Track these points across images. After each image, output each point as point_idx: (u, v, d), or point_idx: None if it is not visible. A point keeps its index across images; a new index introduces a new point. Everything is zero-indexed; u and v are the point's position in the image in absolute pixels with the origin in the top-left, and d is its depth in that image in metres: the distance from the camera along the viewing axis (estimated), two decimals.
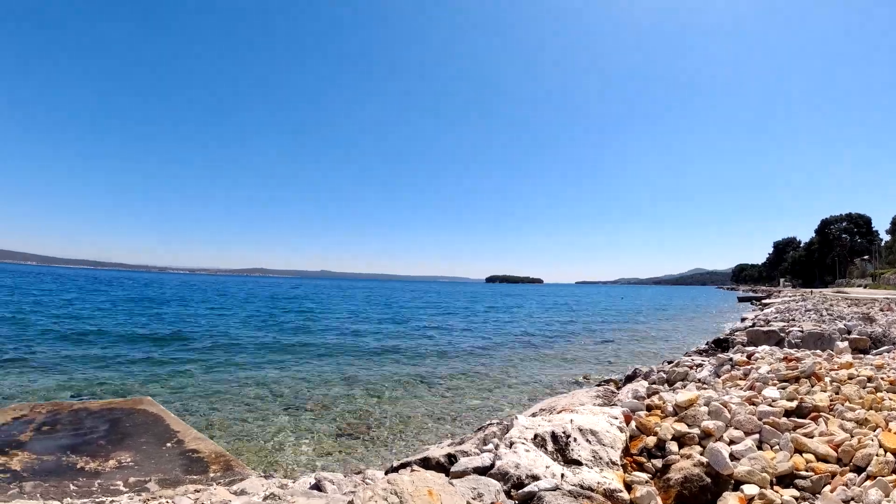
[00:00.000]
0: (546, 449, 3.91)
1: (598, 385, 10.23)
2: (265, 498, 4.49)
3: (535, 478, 3.45)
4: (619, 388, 7.94)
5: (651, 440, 4.28)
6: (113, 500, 4.69)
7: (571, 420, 4.27)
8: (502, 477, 3.52)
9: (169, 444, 6.86)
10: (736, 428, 4.23)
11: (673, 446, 4.11)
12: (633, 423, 4.57)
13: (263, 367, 15.63)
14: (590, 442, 4.00)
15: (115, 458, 6.25)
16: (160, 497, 4.69)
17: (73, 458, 6.29)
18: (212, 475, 5.74)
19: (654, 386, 6.69)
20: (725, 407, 4.49)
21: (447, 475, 3.69)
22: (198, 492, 4.80)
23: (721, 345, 12.67)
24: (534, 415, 5.56)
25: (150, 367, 15.52)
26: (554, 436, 4.02)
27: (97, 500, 4.78)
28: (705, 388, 5.90)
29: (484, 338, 24.48)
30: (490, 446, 4.13)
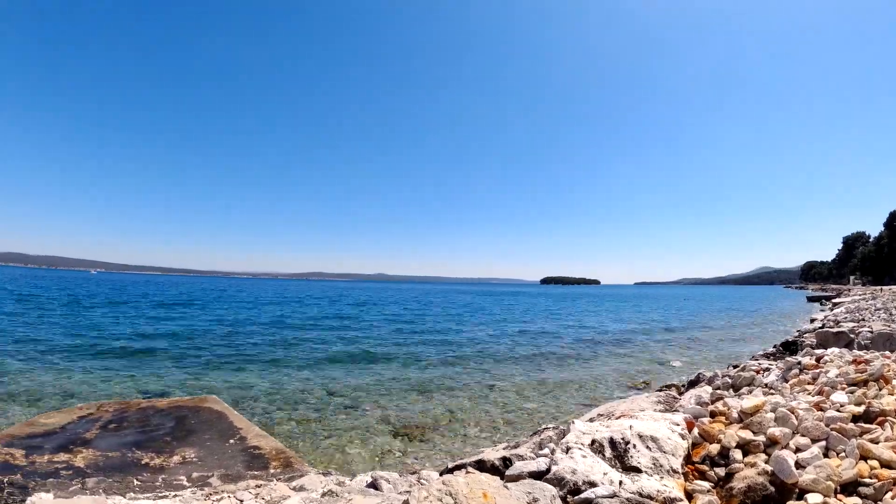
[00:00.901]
0: (604, 455, 3.81)
1: (659, 390, 9.94)
2: (323, 494, 4.57)
3: (592, 484, 3.36)
4: (681, 394, 7.67)
5: (714, 448, 4.10)
6: (176, 495, 4.86)
7: (631, 426, 4.15)
8: (558, 482, 3.45)
9: (232, 441, 7.08)
10: (802, 435, 4.01)
11: (737, 454, 3.93)
12: (695, 431, 4.41)
13: (324, 368, 15.96)
14: (650, 449, 3.88)
15: (179, 454, 6.49)
16: (222, 492, 4.83)
17: (137, 454, 6.56)
18: (272, 471, 5.88)
19: (718, 391, 6.42)
20: (792, 413, 4.27)
21: (502, 478, 3.65)
22: (259, 487, 4.92)
23: (789, 347, 12.12)
24: (591, 420, 5.44)
25: (219, 365, 16.25)
26: (612, 442, 3.92)
27: (160, 494, 4.95)
28: (772, 394, 5.64)
29: (539, 340, 24.07)
30: (546, 451, 4.06)
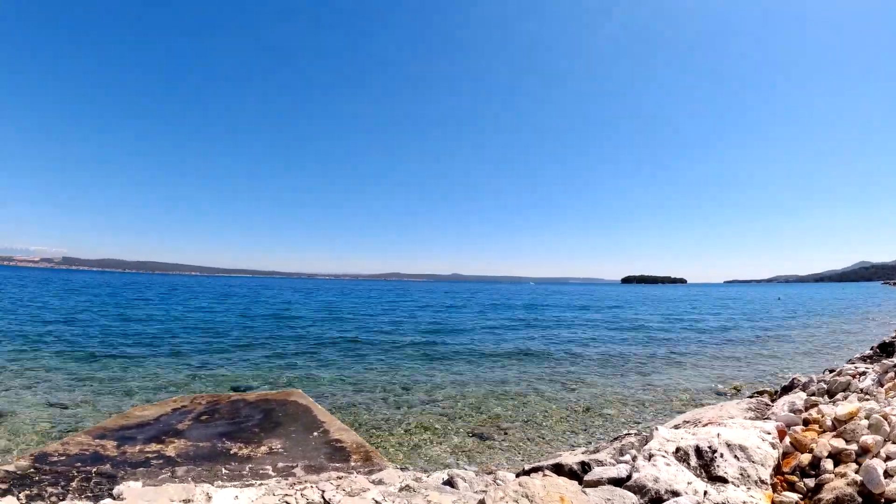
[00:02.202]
0: (688, 464, 3.66)
1: (750, 397, 9.43)
2: (401, 489, 4.66)
3: (675, 493, 3.23)
4: (773, 401, 7.24)
5: (805, 458, 3.85)
6: (261, 484, 5.10)
7: (718, 434, 3.96)
8: (639, 490, 3.34)
9: (315, 434, 7.35)
10: (894, 442, 3.71)
11: (828, 464, 3.67)
12: (786, 439, 4.16)
13: (404, 365, 16.26)
14: (738, 458, 3.69)
15: (266, 445, 6.82)
16: (305, 482, 5.01)
17: (227, 444, 6.96)
18: (352, 464, 6.06)
19: (812, 398, 6.01)
20: (885, 419, 3.94)
21: (580, 483, 3.58)
22: (340, 479, 5.07)
23: (886, 349, 11.16)
24: (676, 427, 5.24)
25: (306, 361, 17.03)
26: (698, 450, 3.75)
27: (247, 483, 5.22)
28: (867, 399, 5.23)
29: (623, 343, 23.23)
30: (627, 457, 3.95)
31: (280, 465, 5.97)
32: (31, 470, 5.45)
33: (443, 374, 14.96)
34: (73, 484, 5.17)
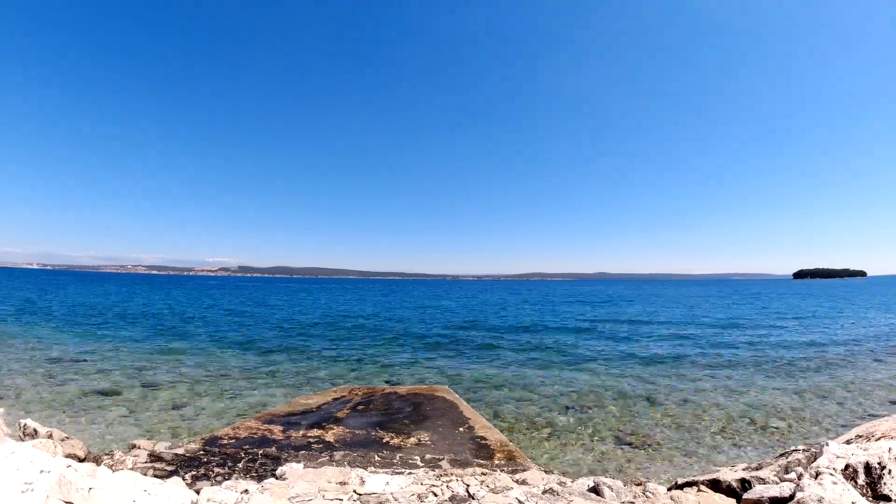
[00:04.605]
0: (856, 482, 3.21)
1: None
2: (544, 491, 4.60)
3: None
4: None
5: None
6: (410, 473, 5.32)
7: (890, 449, 3.44)
8: None
9: (461, 430, 7.55)
10: None
11: None
12: None
13: (554, 367, 16.03)
14: None
15: (415, 437, 7.13)
16: (451, 475, 5.14)
17: (379, 433, 7.40)
18: (496, 462, 6.12)
19: None
20: None
21: (738, 501, 3.31)
22: (484, 475, 5.14)
23: None
24: (848, 441, 4.64)
25: (451, 358, 17.66)
26: (868, 467, 3.27)
27: (396, 471, 5.47)
28: None
29: (800, 347, 20.49)
30: (792, 475, 3.56)
31: (427, 456, 6.21)
32: (201, 452, 6.17)
33: (590, 376, 14.53)
34: (240, 465, 5.77)
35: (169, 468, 5.52)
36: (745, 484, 3.73)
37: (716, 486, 3.92)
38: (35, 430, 5.81)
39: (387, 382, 13.34)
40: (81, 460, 5.29)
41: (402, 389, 10.49)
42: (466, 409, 8.81)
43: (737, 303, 54.20)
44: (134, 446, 6.30)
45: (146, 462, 5.67)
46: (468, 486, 4.64)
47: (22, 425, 5.96)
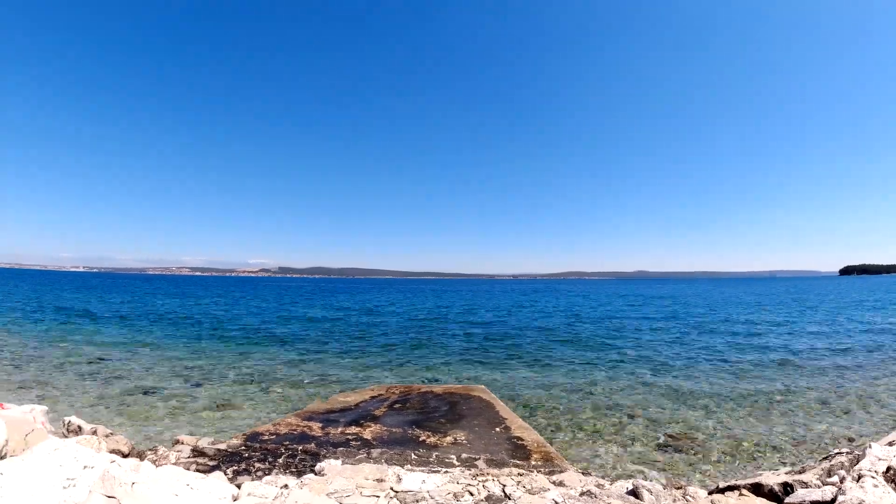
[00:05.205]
0: None
1: None
2: (581, 493, 4.55)
3: None
4: None
5: None
6: (446, 471, 5.32)
7: None
8: None
9: (497, 430, 7.53)
10: None
11: None
12: None
13: (591, 368, 15.76)
14: None
15: (451, 436, 7.14)
16: (487, 474, 5.13)
17: (416, 431, 7.45)
18: (533, 463, 6.08)
19: None
20: None
21: None
22: (520, 476, 5.11)
23: None
24: (891, 443, 4.47)
25: (488, 358, 17.64)
26: None
27: (433, 469, 5.49)
28: None
29: (842, 349, 19.61)
30: (834, 478, 3.44)
31: (464, 455, 6.21)
32: (242, 448, 6.32)
33: (627, 377, 14.28)
34: (280, 460, 5.89)
35: (211, 463, 5.65)
36: (787, 488, 3.62)
37: (758, 490, 3.82)
38: (79, 427, 6.03)
39: (423, 381, 13.42)
40: (125, 456, 5.46)
41: (438, 388, 10.53)
42: (503, 408, 8.79)
43: (786, 301, 52.32)
44: (177, 442, 6.47)
45: (189, 457, 5.82)
46: (504, 486, 4.63)
47: (66, 422, 6.19)
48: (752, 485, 3.93)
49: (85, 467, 3.75)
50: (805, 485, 3.56)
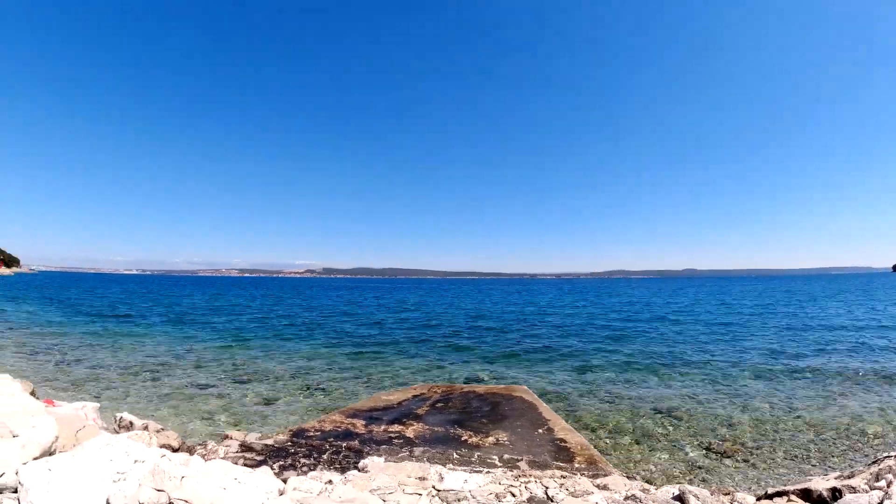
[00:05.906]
0: None
1: None
2: (626, 498, 4.48)
3: None
4: None
5: None
6: (488, 472, 5.32)
7: None
8: None
9: (540, 431, 7.47)
10: None
11: None
12: None
13: (635, 372, 15.39)
14: None
15: (493, 436, 7.13)
16: (529, 475, 5.10)
17: (458, 431, 7.46)
18: (576, 465, 6.01)
19: None
20: None
21: None
22: (563, 478, 5.07)
23: None
24: None
25: (531, 358, 17.53)
26: None
27: (475, 469, 5.49)
28: None
29: (887, 350, 18.63)
30: (882, 483, 3.31)
31: (506, 456, 6.19)
32: (288, 443, 6.48)
33: (674, 381, 13.92)
34: (324, 456, 6.02)
35: (258, 458, 5.80)
36: (836, 493, 3.50)
37: (806, 495, 3.70)
38: (131, 423, 6.28)
39: (465, 381, 13.43)
40: (175, 450, 5.65)
41: (480, 388, 10.52)
42: (546, 410, 8.71)
43: (847, 301, 50.02)
44: (226, 437, 6.67)
45: (237, 452, 5.99)
46: (547, 487, 4.60)
47: (118, 418, 6.45)
48: (801, 490, 3.81)
49: (136, 462, 3.90)
50: (853, 489, 3.44)
